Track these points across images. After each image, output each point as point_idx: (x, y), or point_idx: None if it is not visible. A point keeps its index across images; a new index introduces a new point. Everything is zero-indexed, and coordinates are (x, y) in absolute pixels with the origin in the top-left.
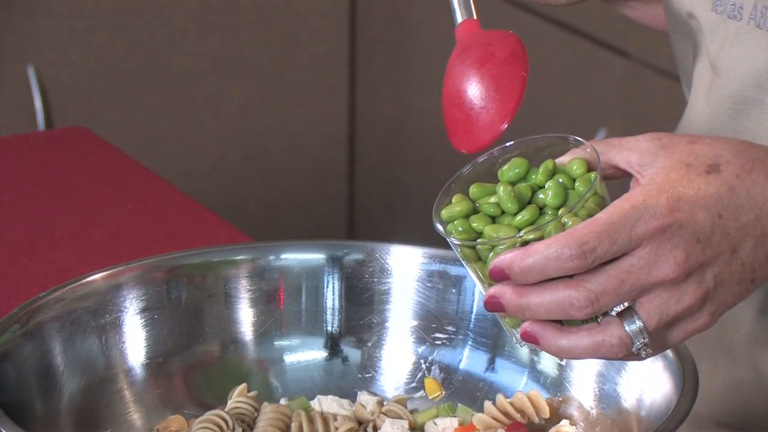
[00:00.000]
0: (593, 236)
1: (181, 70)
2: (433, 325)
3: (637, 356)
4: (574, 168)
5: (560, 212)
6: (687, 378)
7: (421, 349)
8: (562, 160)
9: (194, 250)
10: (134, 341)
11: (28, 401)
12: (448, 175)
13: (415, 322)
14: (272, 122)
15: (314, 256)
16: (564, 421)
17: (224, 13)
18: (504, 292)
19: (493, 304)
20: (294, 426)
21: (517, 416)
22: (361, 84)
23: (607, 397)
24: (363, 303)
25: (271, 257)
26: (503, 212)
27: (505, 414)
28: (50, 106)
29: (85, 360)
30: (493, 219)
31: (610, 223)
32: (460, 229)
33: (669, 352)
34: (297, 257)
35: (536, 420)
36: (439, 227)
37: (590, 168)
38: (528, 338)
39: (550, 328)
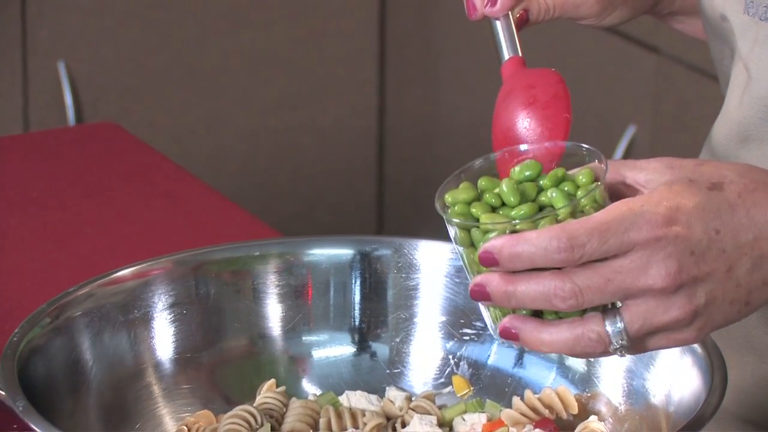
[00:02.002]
0: (584, 232)
1: (211, 66)
2: (461, 321)
3: (612, 354)
4: (581, 177)
5: (557, 210)
6: (716, 374)
7: (450, 344)
8: (573, 172)
9: (222, 245)
10: (163, 336)
11: (57, 396)
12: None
13: (443, 318)
14: (302, 118)
15: (342, 252)
16: (592, 417)
17: (255, 9)
18: (491, 279)
19: (478, 293)
20: (322, 421)
21: (546, 412)
22: (390, 80)
23: (635, 393)
24: (391, 298)
25: (299, 252)
26: (504, 204)
27: (534, 410)
28: (81, 101)
29: (114, 355)
30: (494, 210)
31: (604, 222)
32: (459, 212)
33: (697, 347)
34: (325, 252)
35: (564, 416)
36: (438, 206)
37: (598, 179)
38: (507, 335)
39: (531, 321)
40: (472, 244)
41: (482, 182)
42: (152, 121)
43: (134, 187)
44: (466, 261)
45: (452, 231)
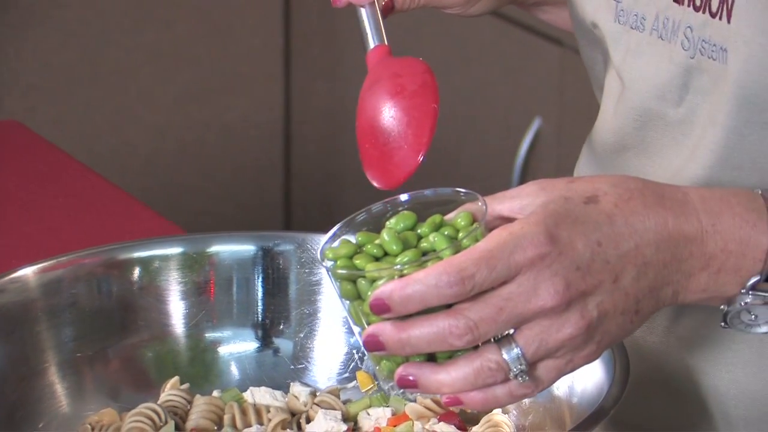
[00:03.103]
0: (471, 263)
1: (115, 64)
2: None
3: (526, 390)
4: (459, 220)
5: (439, 252)
6: (618, 365)
7: (353, 339)
8: (451, 216)
9: (124, 243)
10: (65, 335)
11: None
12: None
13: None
14: (208, 114)
15: (245, 248)
16: (496, 410)
17: (158, 6)
18: (383, 328)
19: (372, 343)
20: (227, 418)
21: None
22: (296, 76)
23: None
24: (294, 294)
25: (201, 249)
26: (386, 254)
27: (438, 403)
28: None
29: (16, 354)
30: (377, 260)
31: (488, 250)
32: (343, 266)
33: None
34: (227, 249)
35: (469, 409)
36: (322, 262)
37: (477, 220)
38: (404, 383)
39: (427, 366)
40: (358, 296)
41: (360, 237)
42: (56, 119)
43: (37, 186)
44: (352, 314)
45: (336, 285)
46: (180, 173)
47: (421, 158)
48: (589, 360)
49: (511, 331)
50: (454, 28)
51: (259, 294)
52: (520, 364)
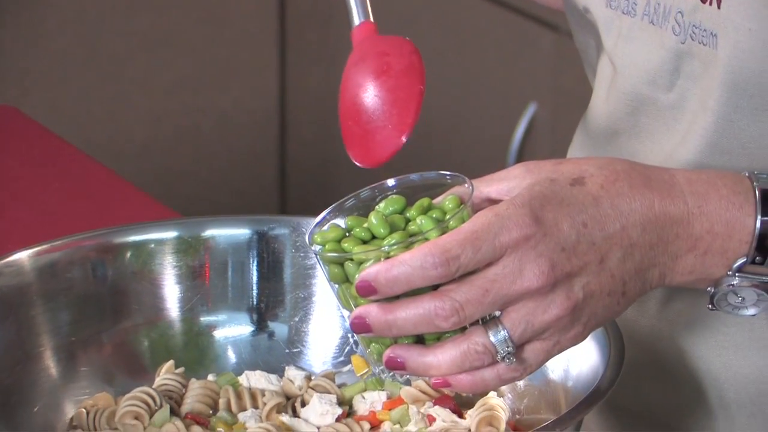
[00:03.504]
0: (456, 244)
1: (111, 49)
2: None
3: (514, 373)
4: (447, 203)
5: (426, 234)
6: (613, 348)
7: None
8: (439, 200)
9: (118, 227)
10: (60, 319)
11: None
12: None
13: None
14: (203, 100)
15: (239, 231)
16: (491, 393)
17: None
18: (370, 310)
19: (359, 325)
20: (222, 402)
21: (445, 389)
22: (291, 61)
23: None
24: (289, 278)
25: (196, 233)
26: (374, 237)
27: (433, 387)
28: None
29: (12, 338)
30: (365, 243)
31: (474, 231)
32: (331, 249)
33: None
34: (222, 233)
35: (463, 393)
36: (310, 245)
37: (464, 203)
38: (392, 364)
39: (415, 348)
40: (346, 279)
41: (349, 221)
42: (52, 105)
43: (33, 171)
44: (341, 298)
45: (325, 269)
46: (175, 159)
47: (404, 139)
48: (576, 341)
49: (498, 314)
50: (449, 13)
51: (254, 278)
52: (507, 347)
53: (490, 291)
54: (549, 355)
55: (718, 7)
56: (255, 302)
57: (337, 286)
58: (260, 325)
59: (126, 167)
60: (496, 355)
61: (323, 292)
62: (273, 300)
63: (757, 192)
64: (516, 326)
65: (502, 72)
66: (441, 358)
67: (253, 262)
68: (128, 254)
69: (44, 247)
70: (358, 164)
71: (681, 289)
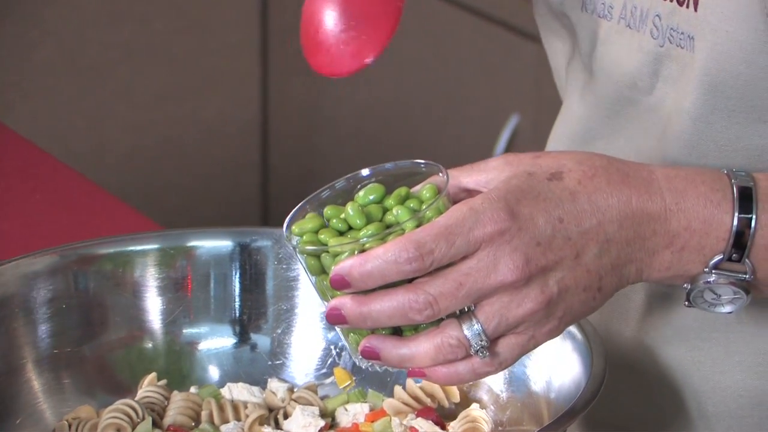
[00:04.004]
0: (430, 239)
1: (93, 60)
2: None
3: (489, 368)
4: (425, 192)
5: (402, 224)
6: (596, 360)
7: (331, 335)
8: (417, 188)
9: (101, 239)
10: (42, 331)
11: None
12: (361, 162)
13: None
14: (185, 111)
15: (222, 243)
16: (474, 405)
17: (135, 3)
18: (344, 302)
19: (334, 316)
20: (204, 414)
21: (428, 401)
22: (273, 72)
23: (516, 381)
24: (272, 290)
25: (179, 245)
26: (351, 228)
27: (416, 399)
28: None
29: None
30: (342, 234)
31: (447, 225)
32: (307, 240)
33: (577, 333)
34: (205, 244)
35: (446, 404)
36: (287, 238)
37: (441, 192)
38: (368, 354)
39: (390, 339)
40: (323, 271)
41: (327, 211)
42: (33, 116)
43: (14, 183)
44: (319, 289)
45: (303, 261)
46: (157, 170)
47: (373, 57)
48: (551, 336)
49: (473, 308)
50: (431, 25)
51: (237, 290)
52: (481, 340)
53: (464, 284)
54: (524, 349)
55: (695, 9)
56: (237, 314)
57: (315, 277)
58: (243, 337)
59: (108, 178)
60: (469, 349)
61: (306, 303)
62: (255, 312)
63: (735, 189)
64: (490, 320)
65: (484, 83)
66: (415, 350)
67: (235, 274)
68: (110, 266)
69: (26, 259)
70: (319, 72)
71: (659, 302)
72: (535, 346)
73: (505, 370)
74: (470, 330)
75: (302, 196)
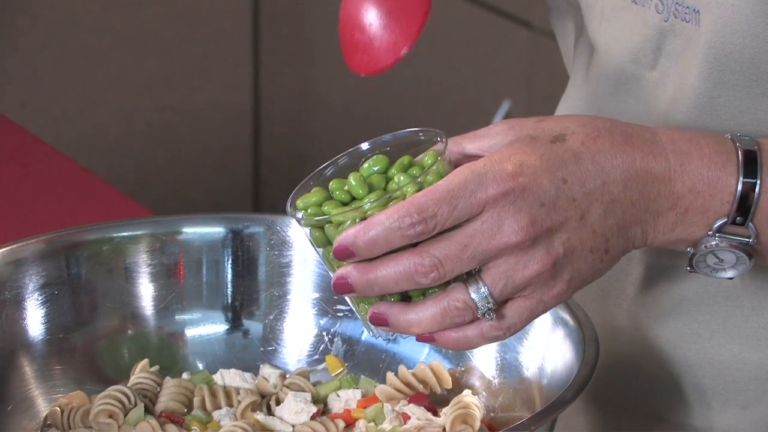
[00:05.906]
0: (432, 203)
1: (83, 47)
2: (335, 297)
3: (497, 332)
4: (427, 159)
5: (403, 189)
6: (588, 346)
7: (323, 321)
8: (420, 158)
9: (93, 225)
10: (34, 317)
11: None
12: (353, 147)
13: (317, 295)
14: (176, 97)
15: (214, 230)
16: (466, 391)
17: None
18: (350, 271)
19: (341, 285)
20: (196, 400)
21: (420, 387)
22: (265, 58)
23: (508, 367)
24: (264, 276)
25: (171, 231)
26: (354, 198)
27: (408, 385)
28: None
29: None
30: (345, 205)
31: (449, 189)
32: (312, 213)
33: (570, 320)
34: (197, 231)
35: (438, 390)
36: (290, 212)
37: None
38: (377, 320)
39: (397, 305)
40: (329, 242)
41: (332, 184)
42: (24, 103)
43: (5, 169)
44: (326, 262)
45: (308, 233)
46: (149, 156)
47: (409, 47)
48: (560, 299)
49: (480, 270)
50: None
51: (229, 276)
52: (488, 303)
53: (469, 246)
54: (533, 313)
55: None
56: (230, 300)
57: (321, 249)
58: (235, 324)
59: (99, 165)
60: (476, 312)
61: (298, 290)
62: (248, 298)
63: (740, 153)
64: (496, 282)
65: (476, 69)
66: (422, 315)
67: (227, 261)
68: (102, 252)
69: (17, 245)
70: (357, 73)
71: (658, 274)
72: (544, 310)
73: (497, 357)
74: (477, 293)
75: (294, 182)
